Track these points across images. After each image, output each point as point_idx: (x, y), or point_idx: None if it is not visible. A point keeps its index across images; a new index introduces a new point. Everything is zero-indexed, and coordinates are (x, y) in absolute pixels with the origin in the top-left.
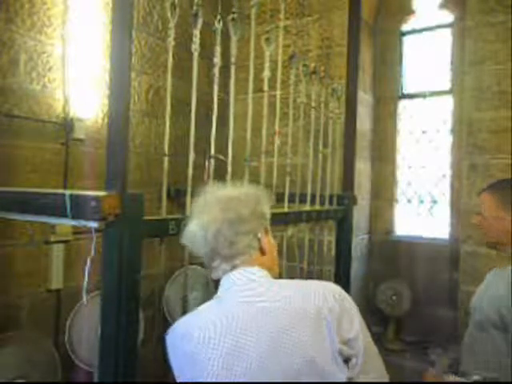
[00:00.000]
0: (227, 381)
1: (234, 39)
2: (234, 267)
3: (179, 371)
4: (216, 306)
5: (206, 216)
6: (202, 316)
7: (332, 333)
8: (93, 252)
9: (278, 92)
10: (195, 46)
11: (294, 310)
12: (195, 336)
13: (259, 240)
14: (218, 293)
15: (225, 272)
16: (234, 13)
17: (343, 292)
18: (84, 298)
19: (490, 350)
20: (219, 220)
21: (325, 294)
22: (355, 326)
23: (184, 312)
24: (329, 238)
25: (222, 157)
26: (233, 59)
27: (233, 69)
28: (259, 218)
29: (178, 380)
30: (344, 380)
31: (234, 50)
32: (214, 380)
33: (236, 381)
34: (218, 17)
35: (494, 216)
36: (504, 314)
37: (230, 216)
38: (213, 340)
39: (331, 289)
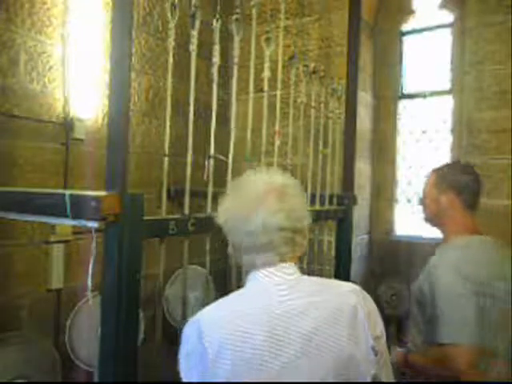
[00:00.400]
0: (263, 375)
1: (236, 39)
2: (272, 262)
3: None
4: (248, 300)
5: (263, 206)
6: (235, 309)
7: (366, 330)
8: (93, 252)
9: (278, 92)
10: (193, 47)
11: (331, 307)
12: (229, 328)
13: (305, 237)
14: (249, 285)
15: (261, 265)
16: (237, 13)
17: (363, 291)
18: (89, 297)
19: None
20: (277, 211)
21: (355, 291)
22: (380, 323)
23: (184, 312)
24: (329, 238)
25: (222, 157)
26: (236, 60)
27: (235, 69)
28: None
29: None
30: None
31: (236, 51)
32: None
33: (269, 377)
34: (217, 16)
35: (430, 195)
36: (424, 289)
37: (289, 207)
38: (249, 336)
39: (356, 287)
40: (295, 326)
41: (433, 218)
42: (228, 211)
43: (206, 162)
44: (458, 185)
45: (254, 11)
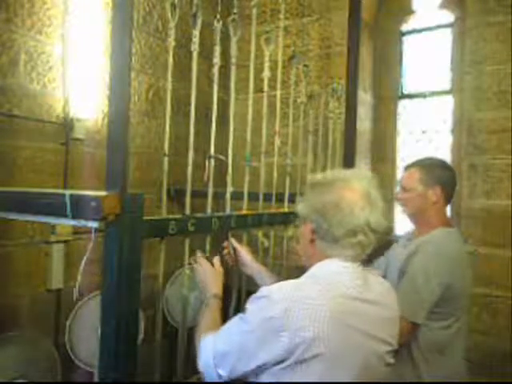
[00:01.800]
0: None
1: (233, 40)
2: (351, 257)
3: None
4: (323, 292)
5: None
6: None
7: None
8: (93, 252)
9: (278, 92)
10: (194, 47)
11: (387, 305)
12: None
13: None
14: (323, 276)
15: (340, 256)
16: (234, 13)
17: None
18: (74, 296)
19: None
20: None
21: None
22: None
23: (184, 312)
24: None
25: (222, 157)
26: (233, 60)
27: (233, 69)
28: None
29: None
30: None
31: (233, 51)
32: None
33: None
34: (218, 16)
35: (416, 191)
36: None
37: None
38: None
39: None
40: (364, 320)
41: (417, 213)
42: (326, 201)
43: (207, 162)
44: (445, 180)
45: (254, 11)
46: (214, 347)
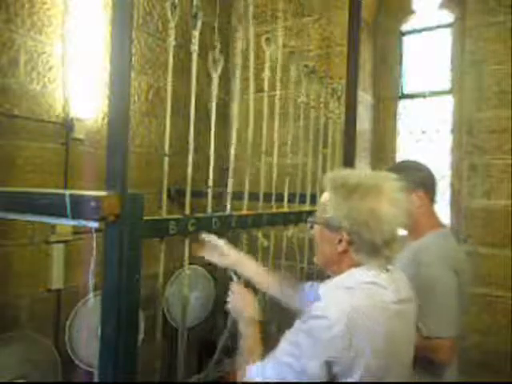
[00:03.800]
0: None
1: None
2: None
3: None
4: (362, 300)
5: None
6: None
7: None
8: (94, 252)
9: (278, 92)
10: (194, 47)
11: (413, 310)
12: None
13: None
14: (357, 284)
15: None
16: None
17: None
18: (91, 297)
19: None
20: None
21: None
22: None
23: (184, 312)
24: None
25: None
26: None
27: (237, 73)
28: None
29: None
30: None
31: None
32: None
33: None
34: (217, 17)
35: None
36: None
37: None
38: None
39: None
40: (396, 330)
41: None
42: (366, 209)
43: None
44: (424, 181)
45: (250, 9)
46: (263, 374)
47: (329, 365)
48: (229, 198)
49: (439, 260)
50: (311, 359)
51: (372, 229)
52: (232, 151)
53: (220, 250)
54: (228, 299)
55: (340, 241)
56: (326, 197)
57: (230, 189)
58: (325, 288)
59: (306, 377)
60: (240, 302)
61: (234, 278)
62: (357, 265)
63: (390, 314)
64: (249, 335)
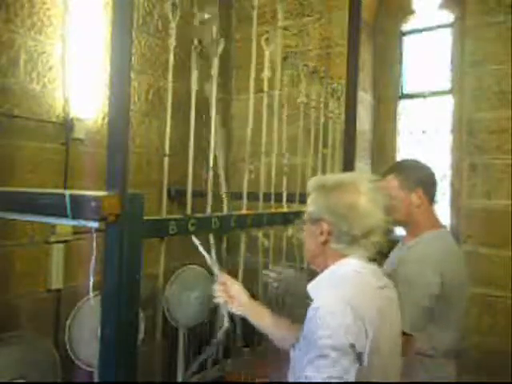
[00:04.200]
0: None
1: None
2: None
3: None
4: (359, 289)
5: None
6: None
7: None
8: (94, 252)
9: (277, 92)
10: (194, 47)
11: (396, 296)
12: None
13: None
14: (345, 273)
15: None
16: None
17: None
18: (90, 297)
19: None
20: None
21: None
22: None
23: (184, 312)
24: None
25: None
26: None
27: (234, 72)
28: None
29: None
30: None
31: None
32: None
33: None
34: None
35: (399, 198)
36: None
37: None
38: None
39: None
40: (388, 313)
41: (404, 219)
42: (344, 204)
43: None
44: (424, 180)
45: (254, 13)
46: None
47: (354, 349)
48: (225, 198)
49: (422, 258)
50: (343, 356)
51: (350, 222)
52: (230, 151)
53: (238, 299)
54: (215, 294)
55: (321, 233)
56: (309, 198)
57: (224, 189)
58: (316, 286)
59: (348, 375)
60: (229, 293)
61: (218, 273)
62: (339, 257)
63: (380, 297)
64: (258, 318)
